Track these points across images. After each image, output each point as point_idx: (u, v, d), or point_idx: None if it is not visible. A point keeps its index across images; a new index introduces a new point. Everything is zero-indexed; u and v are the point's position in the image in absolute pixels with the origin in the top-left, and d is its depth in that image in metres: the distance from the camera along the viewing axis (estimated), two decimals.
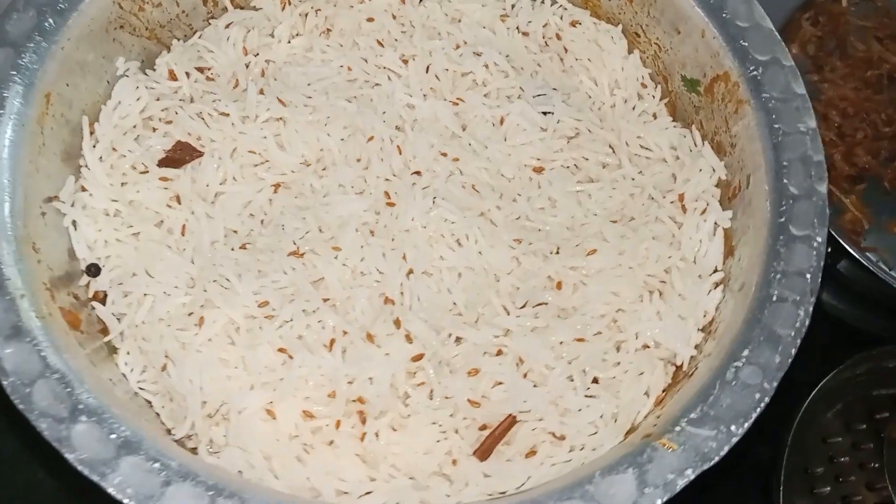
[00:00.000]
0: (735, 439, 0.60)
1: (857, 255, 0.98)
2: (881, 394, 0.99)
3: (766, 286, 0.68)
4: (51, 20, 0.76)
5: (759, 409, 0.61)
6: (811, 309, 0.66)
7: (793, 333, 0.64)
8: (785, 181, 0.72)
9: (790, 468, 0.91)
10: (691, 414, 0.62)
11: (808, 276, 0.67)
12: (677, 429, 0.61)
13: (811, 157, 0.72)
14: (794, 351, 0.64)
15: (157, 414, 0.77)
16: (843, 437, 0.98)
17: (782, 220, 0.71)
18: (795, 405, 0.93)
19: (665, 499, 0.58)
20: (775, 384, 0.62)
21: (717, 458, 0.59)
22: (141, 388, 0.77)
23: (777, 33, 0.80)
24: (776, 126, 0.75)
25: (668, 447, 0.59)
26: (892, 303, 1.03)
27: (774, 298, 0.67)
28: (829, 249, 0.98)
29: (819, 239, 0.69)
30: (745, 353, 0.64)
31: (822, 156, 0.73)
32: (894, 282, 0.97)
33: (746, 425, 0.61)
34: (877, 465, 0.95)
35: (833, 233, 0.98)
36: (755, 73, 0.78)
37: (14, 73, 0.73)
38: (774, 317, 0.66)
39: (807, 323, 0.66)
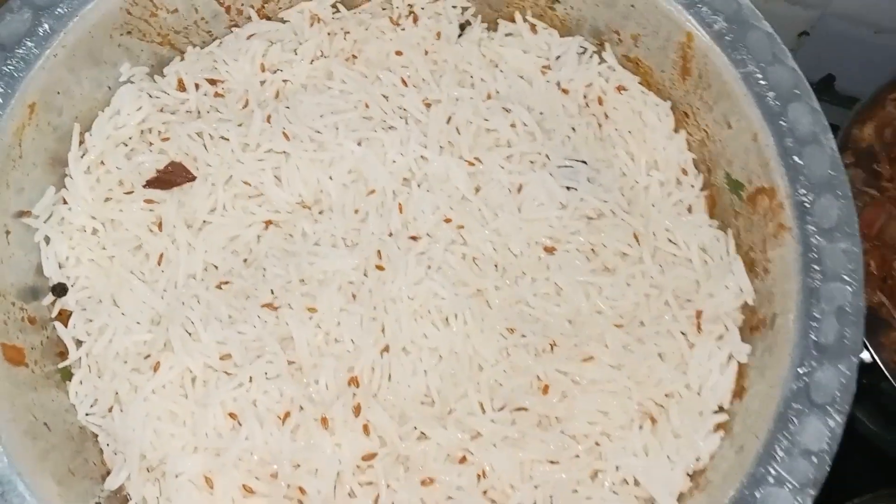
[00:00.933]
0: None
1: (893, 381, 0.88)
2: None
3: (765, 461, 0.59)
4: (46, 25, 0.71)
5: None
6: (811, 502, 0.57)
7: None
8: (813, 338, 0.63)
9: None
10: None
11: (816, 460, 0.58)
12: None
13: (849, 315, 0.63)
14: None
15: (101, 450, 0.74)
16: None
17: (801, 384, 0.61)
18: None
19: None
20: None
21: None
22: (89, 421, 0.74)
23: (839, 155, 0.69)
24: (815, 267, 0.65)
25: None
26: None
27: (771, 480, 0.58)
28: (871, 361, 0.90)
29: (838, 419, 0.59)
30: None
31: (863, 315, 0.63)
32: None
33: None
34: None
35: (872, 351, 0.89)
36: (804, 198, 0.68)
37: None
38: (766, 502, 0.57)
39: None
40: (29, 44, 0.70)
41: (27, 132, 0.71)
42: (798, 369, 0.62)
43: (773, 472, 0.58)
